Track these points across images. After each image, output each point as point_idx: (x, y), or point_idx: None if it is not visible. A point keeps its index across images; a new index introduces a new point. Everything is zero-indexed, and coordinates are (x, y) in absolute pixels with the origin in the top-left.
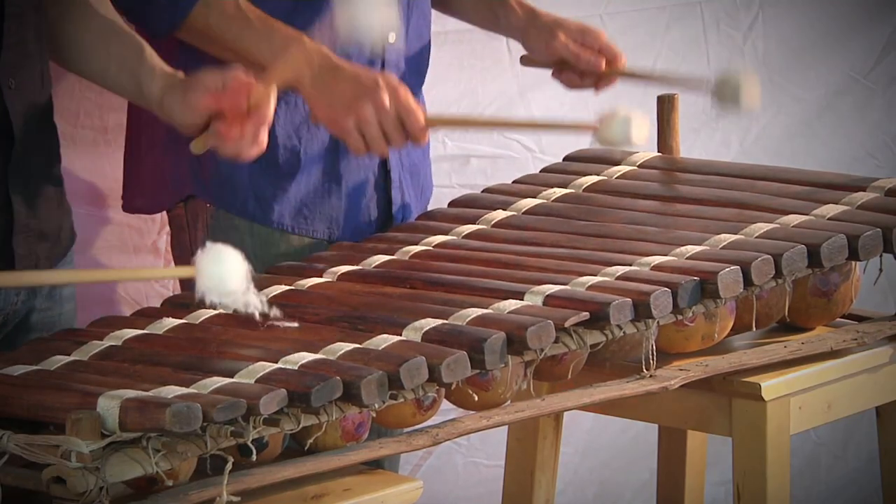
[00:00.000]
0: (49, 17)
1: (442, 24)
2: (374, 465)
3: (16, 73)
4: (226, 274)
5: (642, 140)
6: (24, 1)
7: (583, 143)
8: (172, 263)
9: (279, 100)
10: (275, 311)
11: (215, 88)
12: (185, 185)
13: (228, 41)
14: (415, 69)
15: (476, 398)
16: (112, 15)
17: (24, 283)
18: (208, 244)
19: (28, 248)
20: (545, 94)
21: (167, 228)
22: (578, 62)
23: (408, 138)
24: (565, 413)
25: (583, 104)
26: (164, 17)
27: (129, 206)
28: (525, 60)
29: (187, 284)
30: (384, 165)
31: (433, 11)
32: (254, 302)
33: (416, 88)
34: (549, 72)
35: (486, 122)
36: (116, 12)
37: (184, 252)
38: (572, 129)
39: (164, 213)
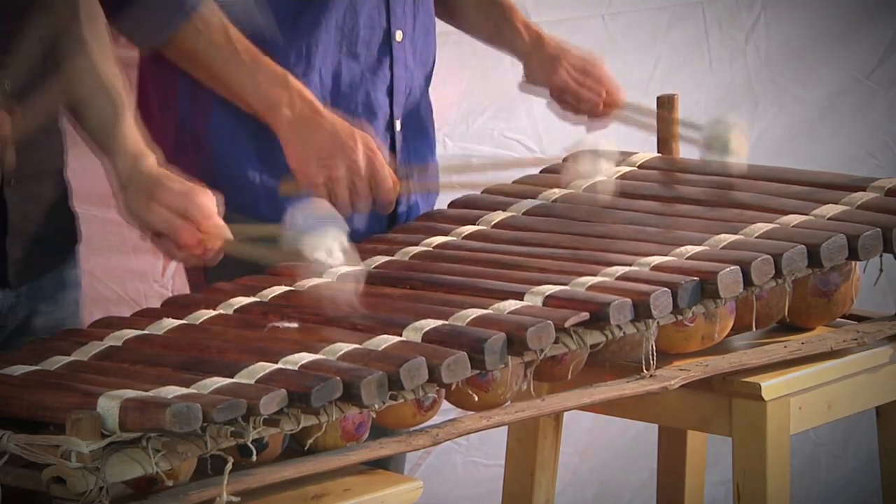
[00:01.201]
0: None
1: (443, 25)
2: (378, 465)
3: (13, 74)
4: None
5: (610, 174)
6: (27, 4)
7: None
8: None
9: None
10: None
11: (177, 211)
12: None
13: (214, 69)
14: (421, 67)
15: (476, 398)
16: (105, 66)
17: None
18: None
19: (23, 251)
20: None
21: None
22: (578, 99)
23: (374, 203)
24: (565, 413)
25: None
26: (151, 32)
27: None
28: (524, 86)
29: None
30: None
31: None
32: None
33: (423, 86)
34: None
35: (456, 167)
36: (112, 61)
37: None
38: (540, 164)
39: None
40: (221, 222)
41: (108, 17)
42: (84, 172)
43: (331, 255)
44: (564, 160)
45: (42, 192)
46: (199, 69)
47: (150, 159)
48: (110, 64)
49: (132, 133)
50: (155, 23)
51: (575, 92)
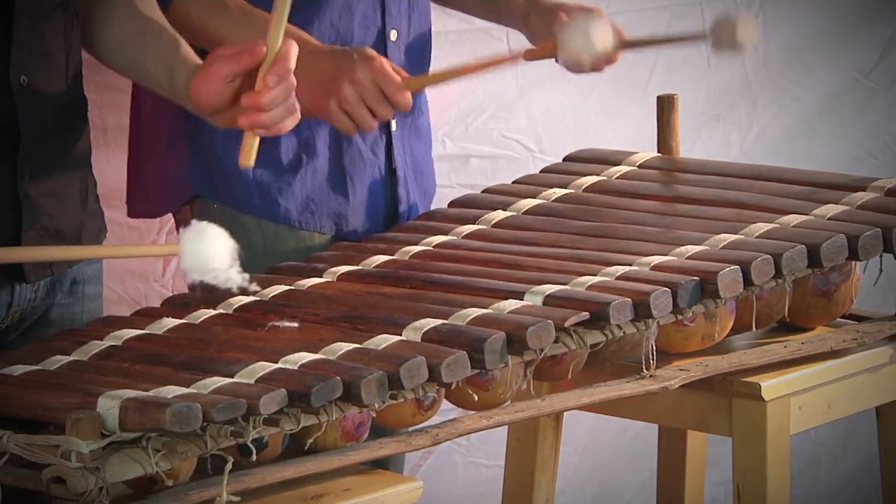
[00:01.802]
0: (85, 12)
1: (442, 25)
2: (378, 465)
3: (29, 70)
4: (209, 252)
5: (606, 44)
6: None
7: (583, 143)
8: (172, 263)
9: None
10: (253, 286)
11: (231, 53)
12: (190, 185)
13: (210, 31)
14: (417, 66)
15: (476, 398)
16: (153, 13)
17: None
18: (193, 222)
19: (39, 245)
20: (545, 95)
21: (167, 229)
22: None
23: (392, 106)
24: (565, 413)
25: (583, 103)
26: None
27: (135, 211)
28: (529, 54)
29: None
30: (390, 163)
31: (433, 12)
32: (235, 279)
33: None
34: (549, 71)
35: (462, 71)
36: (158, 9)
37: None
38: (539, 54)
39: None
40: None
41: None
42: None
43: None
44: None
45: (63, 187)
46: (196, 35)
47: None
48: (153, 10)
49: (191, 56)
50: None
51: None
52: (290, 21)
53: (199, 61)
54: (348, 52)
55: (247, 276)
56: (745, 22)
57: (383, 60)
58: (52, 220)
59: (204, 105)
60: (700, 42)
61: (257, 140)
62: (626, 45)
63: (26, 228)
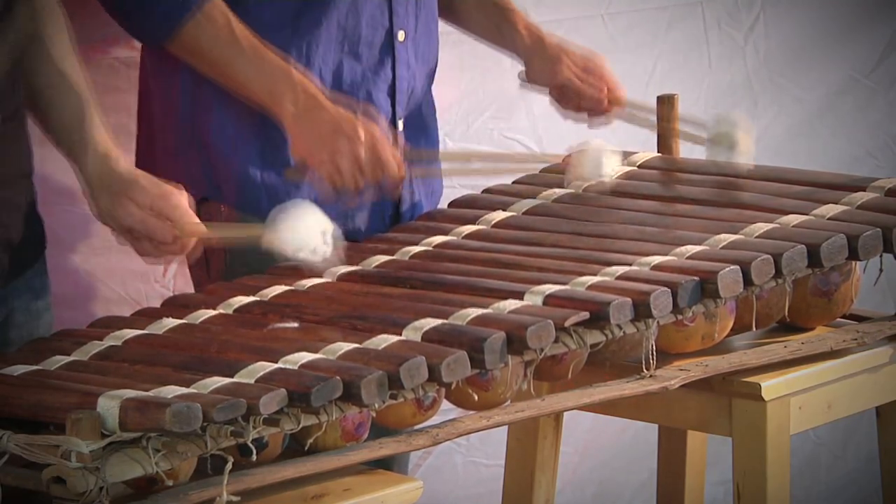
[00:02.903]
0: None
1: (443, 25)
2: (379, 465)
3: None
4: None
5: (614, 172)
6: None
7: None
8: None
9: None
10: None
11: (151, 209)
12: (198, 187)
13: (218, 64)
14: (424, 66)
15: (476, 398)
16: (66, 65)
17: None
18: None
19: None
20: (545, 95)
21: None
22: (581, 93)
23: (381, 190)
24: (565, 413)
25: None
26: (156, 30)
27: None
28: (524, 82)
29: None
30: None
31: None
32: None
33: (425, 86)
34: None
35: (459, 156)
36: (74, 61)
37: (197, 255)
38: (541, 161)
39: None
40: (196, 219)
41: (112, 15)
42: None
43: (315, 253)
44: (567, 158)
45: (11, 196)
46: (202, 64)
47: (120, 159)
48: (72, 63)
49: (99, 133)
50: (159, 19)
51: (577, 90)
52: (298, 23)
53: (103, 144)
54: (353, 124)
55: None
56: (743, 132)
57: (386, 143)
58: (4, 231)
59: (100, 217)
60: (696, 141)
61: None
62: (621, 115)
63: None
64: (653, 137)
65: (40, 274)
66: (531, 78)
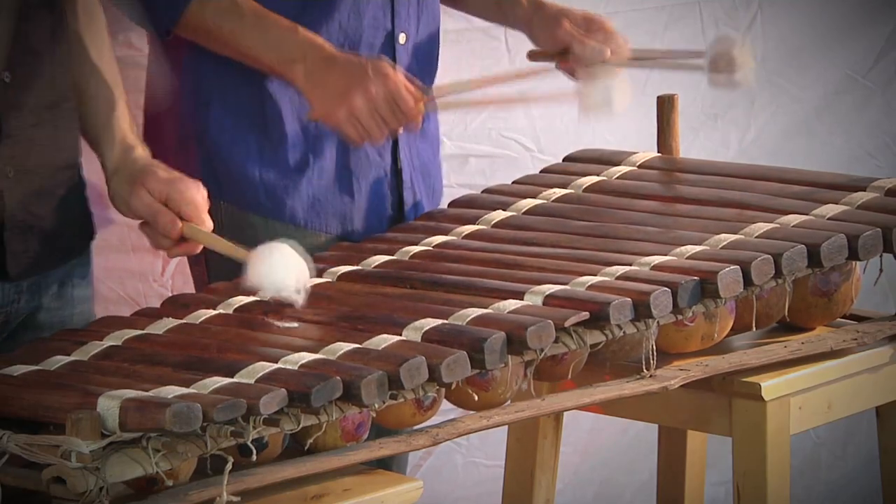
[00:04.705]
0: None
1: (442, 24)
2: (379, 465)
3: (14, 67)
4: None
5: (625, 104)
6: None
7: (583, 143)
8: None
9: (288, 94)
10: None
11: (159, 197)
12: None
13: (225, 37)
14: (425, 67)
15: (476, 398)
16: (101, 59)
17: None
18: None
19: (24, 245)
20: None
21: None
22: (583, 50)
23: (403, 121)
24: (565, 413)
25: None
26: (163, 17)
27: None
28: (531, 55)
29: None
30: (395, 165)
31: None
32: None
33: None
34: (549, 71)
35: (478, 83)
36: (109, 56)
37: (196, 253)
38: (558, 99)
39: None
40: (205, 214)
41: (120, 9)
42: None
43: (290, 295)
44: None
45: (48, 186)
46: (211, 41)
47: (140, 150)
48: (108, 58)
49: (124, 125)
50: (163, 6)
51: (580, 45)
52: (300, 23)
53: (128, 137)
54: (363, 64)
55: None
56: (741, 48)
57: (399, 76)
58: (37, 219)
59: (114, 205)
60: (698, 62)
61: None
62: (627, 63)
63: (10, 228)
64: (653, 137)
65: (82, 264)
66: (536, 43)
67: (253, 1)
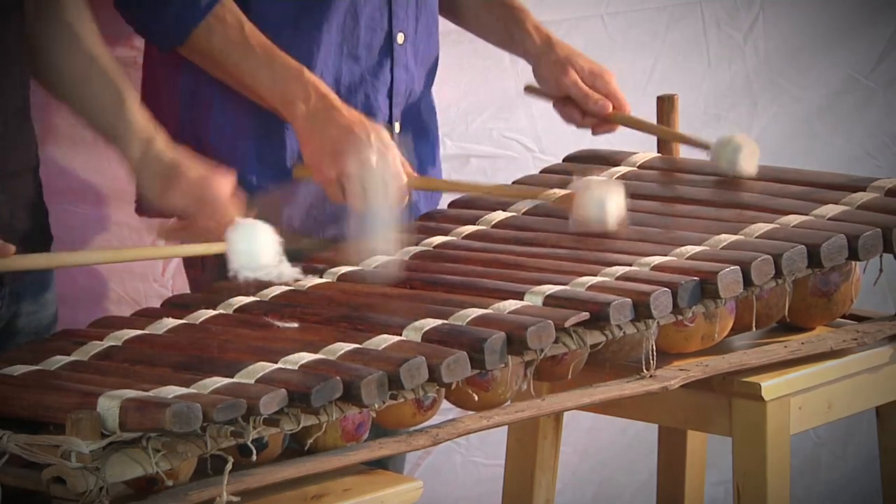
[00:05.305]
0: (32, 31)
1: (442, 24)
2: (378, 465)
3: None
4: (258, 249)
5: (620, 216)
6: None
7: (583, 143)
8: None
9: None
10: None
11: (194, 197)
12: None
13: (229, 66)
14: (423, 68)
15: (476, 398)
16: (96, 48)
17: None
18: (238, 220)
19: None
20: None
21: None
22: (585, 103)
23: (388, 198)
24: (565, 413)
25: None
26: (167, 33)
27: (144, 210)
28: (529, 90)
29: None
30: None
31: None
32: (287, 272)
33: (424, 87)
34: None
35: (469, 188)
36: (103, 45)
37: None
38: (552, 198)
39: None
40: (234, 207)
41: (124, 18)
42: (83, 172)
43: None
44: (570, 195)
45: (23, 190)
46: (214, 66)
47: (161, 141)
48: (102, 48)
49: (138, 116)
50: (172, 22)
51: (583, 97)
52: (299, 25)
53: (145, 128)
54: (366, 130)
55: (298, 269)
56: (747, 153)
57: (396, 153)
58: (17, 223)
59: (145, 199)
60: (701, 149)
61: None
62: (624, 123)
63: None
64: (653, 137)
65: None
66: (539, 81)
67: (261, 35)
